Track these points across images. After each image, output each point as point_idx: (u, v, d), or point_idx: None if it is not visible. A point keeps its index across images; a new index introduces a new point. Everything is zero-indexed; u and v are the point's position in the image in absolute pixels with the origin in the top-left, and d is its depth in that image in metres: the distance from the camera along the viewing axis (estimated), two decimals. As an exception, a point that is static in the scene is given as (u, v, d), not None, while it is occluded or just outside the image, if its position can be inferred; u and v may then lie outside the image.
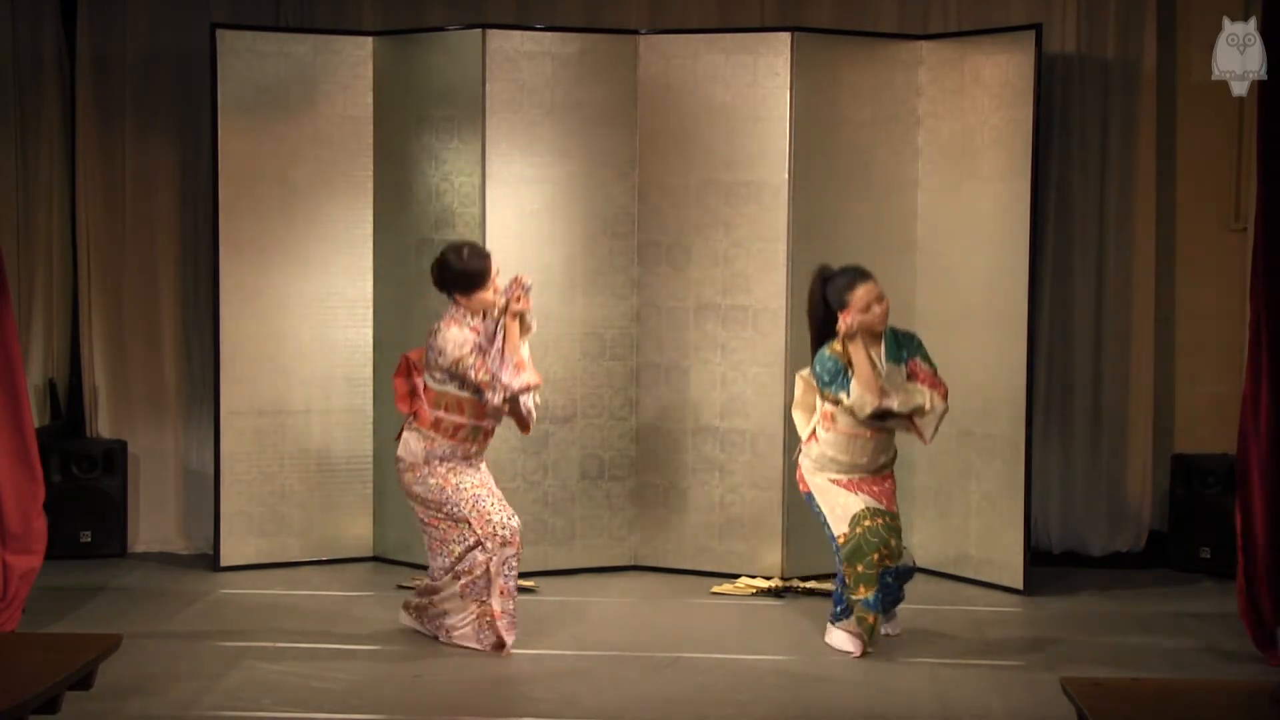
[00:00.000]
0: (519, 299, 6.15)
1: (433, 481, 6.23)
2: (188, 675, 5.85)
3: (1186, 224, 8.00)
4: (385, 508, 7.77)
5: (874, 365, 6.20)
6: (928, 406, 6.21)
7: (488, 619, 6.22)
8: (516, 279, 6.19)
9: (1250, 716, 4.36)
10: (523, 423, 6.29)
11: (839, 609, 6.30)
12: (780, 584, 7.31)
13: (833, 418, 6.27)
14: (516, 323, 6.18)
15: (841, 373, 6.19)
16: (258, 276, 7.59)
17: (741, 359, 7.50)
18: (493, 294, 6.18)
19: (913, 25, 7.89)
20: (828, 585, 6.89)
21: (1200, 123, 7.93)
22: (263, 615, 6.78)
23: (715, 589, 7.30)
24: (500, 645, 6.21)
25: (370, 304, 7.73)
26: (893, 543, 6.23)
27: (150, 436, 8.07)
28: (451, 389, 6.19)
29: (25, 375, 6.46)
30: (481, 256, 6.24)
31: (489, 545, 6.18)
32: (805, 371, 6.41)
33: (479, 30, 7.35)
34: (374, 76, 7.65)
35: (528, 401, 6.20)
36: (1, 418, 6.21)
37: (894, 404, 6.18)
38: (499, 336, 6.16)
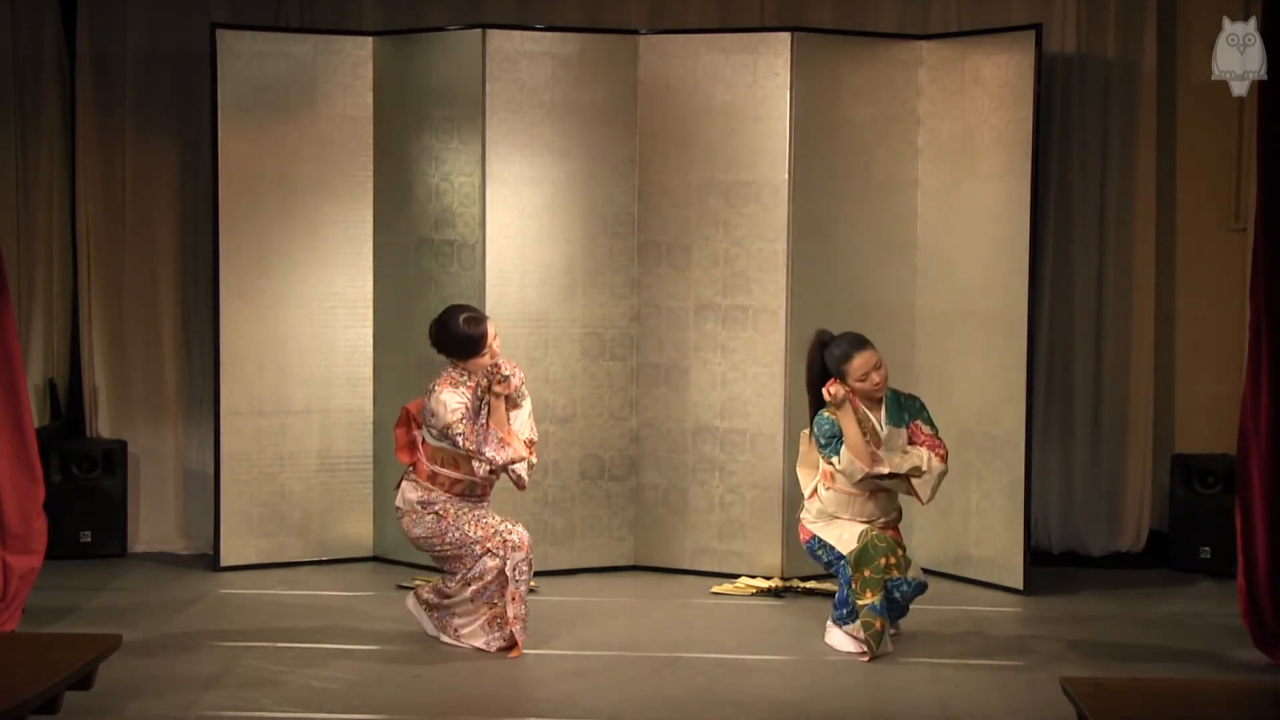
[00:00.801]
0: (500, 383, 6.16)
1: (428, 519, 6.24)
2: (188, 675, 5.84)
3: (1186, 224, 7.99)
4: (385, 508, 7.76)
5: (865, 432, 6.25)
6: (924, 468, 6.27)
7: (498, 620, 6.23)
8: (497, 367, 6.18)
9: (1250, 716, 4.36)
10: (516, 484, 6.29)
11: (843, 611, 6.30)
12: (780, 584, 7.31)
13: (832, 476, 6.35)
14: (502, 401, 6.19)
15: (837, 437, 6.25)
16: (258, 276, 7.59)
17: (741, 359, 7.50)
18: (489, 358, 6.21)
19: (913, 25, 7.89)
20: (828, 585, 6.90)
21: (1200, 123, 7.93)
22: (263, 615, 6.78)
23: (715, 589, 7.30)
24: (509, 646, 6.21)
25: (370, 304, 7.73)
26: (900, 552, 6.26)
27: (150, 436, 8.07)
28: (447, 445, 6.21)
29: (25, 375, 6.45)
30: (478, 323, 6.23)
31: (499, 551, 6.18)
32: (808, 430, 6.45)
33: (479, 30, 7.35)
34: (374, 76, 7.65)
35: (519, 470, 6.20)
36: (1, 418, 6.21)
37: (884, 469, 6.25)
38: (483, 412, 6.19)
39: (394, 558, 7.71)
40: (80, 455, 7.83)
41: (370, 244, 7.71)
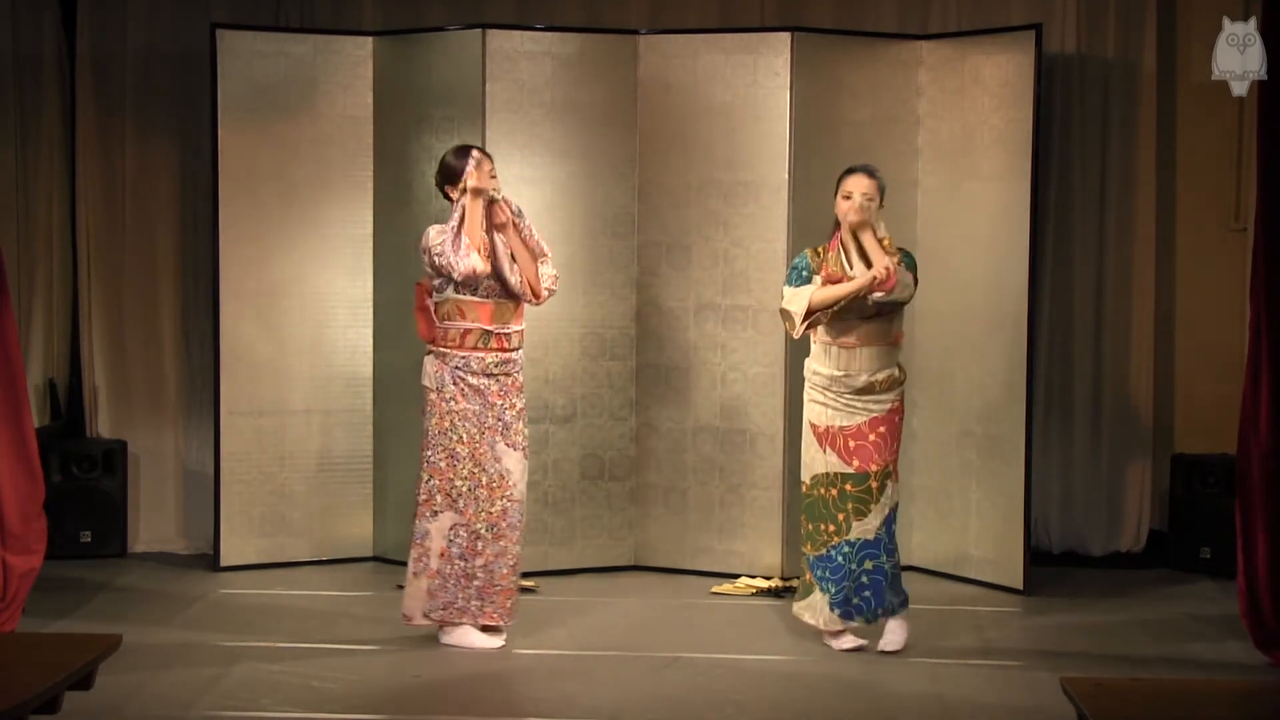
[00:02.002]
0: (473, 175, 6.11)
1: (433, 417, 6.24)
2: (188, 675, 5.84)
3: (1186, 224, 8.00)
4: (385, 508, 7.77)
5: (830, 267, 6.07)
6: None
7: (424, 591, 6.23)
8: (482, 153, 6.19)
9: (1250, 716, 4.36)
10: (530, 292, 6.22)
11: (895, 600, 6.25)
12: (780, 584, 7.31)
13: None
14: (478, 202, 6.12)
15: (801, 270, 6.17)
16: (258, 276, 7.59)
17: (741, 359, 7.50)
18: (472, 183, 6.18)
19: (913, 25, 7.90)
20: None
21: (1200, 123, 7.93)
22: (263, 615, 6.78)
23: (715, 589, 7.30)
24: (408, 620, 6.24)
25: (370, 304, 7.73)
26: (839, 519, 6.17)
27: (150, 436, 8.07)
28: (450, 294, 6.21)
29: (25, 375, 6.45)
30: (463, 152, 6.22)
31: (440, 506, 6.21)
32: None
33: (479, 30, 7.35)
34: (374, 76, 7.65)
35: (508, 275, 6.14)
36: (1, 418, 6.21)
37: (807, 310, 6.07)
38: (454, 216, 6.16)
39: (394, 558, 7.71)
40: (80, 455, 7.83)
41: (370, 244, 7.71)
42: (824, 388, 6.23)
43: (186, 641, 6.33)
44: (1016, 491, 7.22)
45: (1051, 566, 7.76)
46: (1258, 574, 6.14)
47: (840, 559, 6.19)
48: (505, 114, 7.36)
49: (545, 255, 6.31)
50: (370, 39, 7.67)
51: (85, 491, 7.80)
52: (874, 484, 6.18)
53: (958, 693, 5.79)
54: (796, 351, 7.31)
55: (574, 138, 7.49)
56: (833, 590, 6.24)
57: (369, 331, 7.75)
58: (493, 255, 6.17)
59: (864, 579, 6.22)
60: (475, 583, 6.24)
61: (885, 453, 6.20)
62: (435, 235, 6.19)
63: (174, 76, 7.98)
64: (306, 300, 7.67)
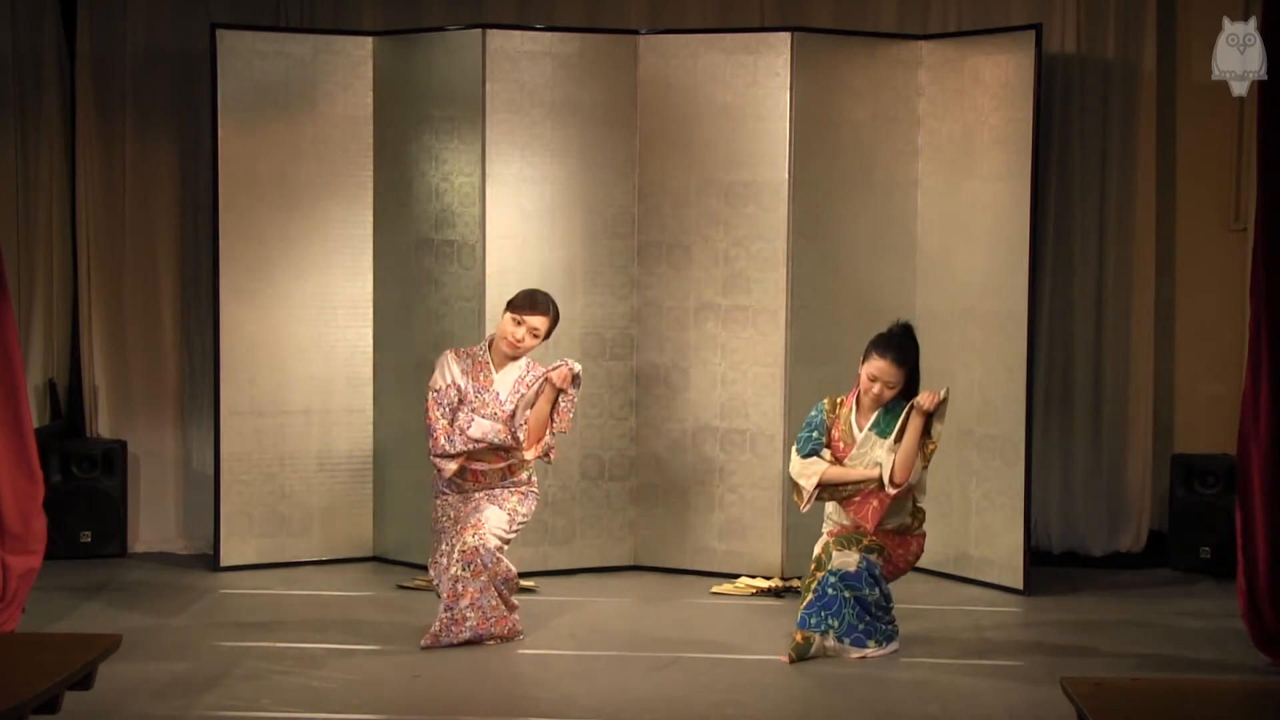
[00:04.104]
0: (560, 377, 6.26)
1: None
2: (188, 675, 5.85)
3: (1186, 224, 7.99)
4: (385, 508, 7.77)
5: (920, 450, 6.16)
6: (888, 478, 6.18)
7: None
8: (567, 364, 6.31)
9: (1250, 716, 4.36)
10: (520, 445, 6.36)
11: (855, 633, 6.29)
12: (780, 584, 7.31)
13: None
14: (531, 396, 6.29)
15: (814, 428, 6.26)
16: (258, 276, 7.59)
17: (741, 359, 7.50)
18: (508, 340, 6.32)
19: (913, 25, 7.89)
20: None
21: (1200, 123, 7.93)
22: (263, 615, 6.78)
23: (715, 589, 7.30)
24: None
25: (370, 304, 7.73)
26: (820, 557, 6.24)
27: (150, 436, 8.07)
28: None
29: (25, 375, 6.45)
30: (530, 302, 6.37)
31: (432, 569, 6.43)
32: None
33: (479, 30, 7.34)
34: (374, 76, 7.65)
35: (516, 429, 6.27)
36: (1, 418, 6.21)
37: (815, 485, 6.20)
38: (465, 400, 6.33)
39: (394, 558, 7.71)
40: (80, 455, 7.83)
41: (370, 244, 7.71)
42: (836, 534, 6.33)
43: (186, 641, 6.33)
44: (1016, 491, 7.22)
45: (1051, 566, 7.76)
46: (1258, 574, 6.14)
47: (831, 591, 6.20)
48: (505, 114, 7.36)
49: (564, 429, 6.38)
50: (370, 39, 7.67)
51: (85, 491, 7.80)
52: (865, 541, 6.25)
53: (958, 693, 5.79)
54: (796, 352, 7.32)
55: (574, 138, 7.48)
56: (835, 624, 6.19)
57: (369, 331, 7.74)
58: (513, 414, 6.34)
59: (858, 606, 6.20)
60: (468, 624, 6.29)
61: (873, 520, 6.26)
62: (431, 378, 6.42)
63: (174, 76, 7.97)
64: (306, 300, 7.67)
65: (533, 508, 6.49)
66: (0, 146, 7.75)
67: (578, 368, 6.31)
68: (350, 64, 7.64)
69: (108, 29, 7.96)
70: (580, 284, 7.54)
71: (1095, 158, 7.88)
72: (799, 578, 7.33)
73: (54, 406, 8.03)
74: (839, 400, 6.33)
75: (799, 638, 6.16)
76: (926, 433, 6.14)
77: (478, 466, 6.35)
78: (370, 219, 7.70)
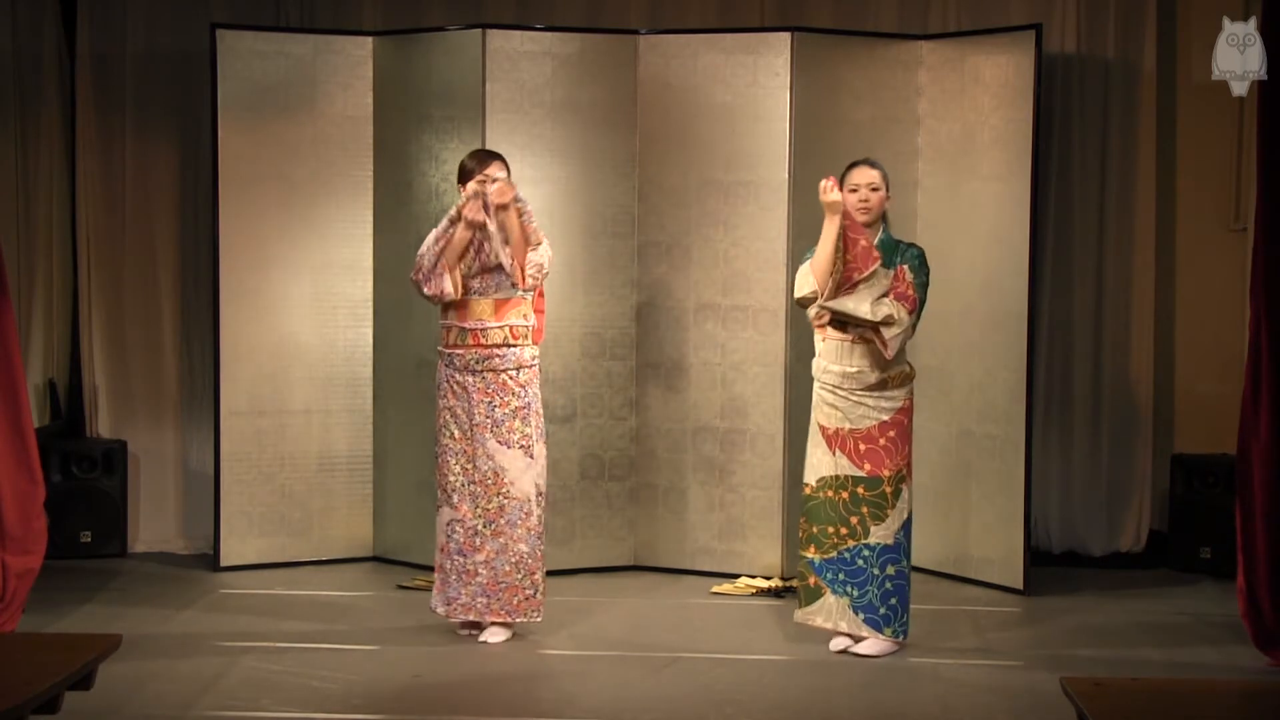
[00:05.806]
0: (471, 208, 6.17)
1: (437, 414, 6.37)
2: (188, 675, 5.85)
3: (1186, 224, 8.00)
4: (385, 508, 7.77)
5: (838, 251, 5.95)
6: (896, 316, 6.02)
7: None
8: (492, 160, 6.26)
9: (1250, 716, 4.36)
10: (517, 275, 6.28)
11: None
12: (780, 584, 7.31)
13: (820, 317, 6.16)
14: (467, 233, 6.20)
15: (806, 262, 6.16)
16: (258, 276, 7.59)
17: (741, 359, 7.50)
18: (475, 188, 6.24)
19: (913, 25, 7.90)
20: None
21: (1200, 123, 7.93)
22: (263, 615, 6.78)
23: (715, 589, 7.30)
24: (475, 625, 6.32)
25: (370, 304, 7.73)
26: (853, 522, 6.12)
27: (150, 436, 8.07)
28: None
29: (25, 375, 6.45)
30: (475, 155, 6.32)
31: (440, 499, 6.30)
32: None
33: (479, 30, 7.35)
34: (374, 76, 7.65)
35: (502, 258, 6.18)
36: (1, 418, 6.21)
37: (839, 305, 6.00)
38: (440, 235, 6.25)
39: (394, 558, 7.71)
40: (80, 455, 7.83)
41: (370, 244, 7.71)
42: (834, 386, 6.17)
43: (186, 641, 6.33)
44: (1016, 491, 7.23)
45: (1051, 566, 7.76)
46: (1258, 574, 6.14)
47: (861, 562, 6.15)
48: (505, 114, 7.36)
49: (538, 243, 6.30)
50: (370, 39, 7.67)
51: (85, 491, 7.80)
52: (888, 489, 6.17)
53: (958, 693, 5.79)
54: (796, 351, 7.31)
55: (574, 138, 7.49)
56: (854, 594, 6.18)
57: (369, 331, 7.74)
58: (485, 241, 6.22)
59: (889, 585, 6.18)
60: (478, 579, 6.25)
61: (897, 457, 6.17)
62: (429, 242, 6.32)
63: (174, 76, 7.98)
64: (306, 300, 7.67)
65: (539, 411, 6.41)
66: (0, 146, 7.75)
67: (501, 175, 6.22)
68: (350, 64, 7.64)
69: (108, 29, 7.96)
70: (580, 284, 7.54)
71: (1095, 158, 7.88)
72: (799, 581, 7.34)
73: (54, 406, 8.03)
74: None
75: (811, 581, 6.13)
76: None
77: (478, 327, 6.26)
78: (370, 219, 7.70)
